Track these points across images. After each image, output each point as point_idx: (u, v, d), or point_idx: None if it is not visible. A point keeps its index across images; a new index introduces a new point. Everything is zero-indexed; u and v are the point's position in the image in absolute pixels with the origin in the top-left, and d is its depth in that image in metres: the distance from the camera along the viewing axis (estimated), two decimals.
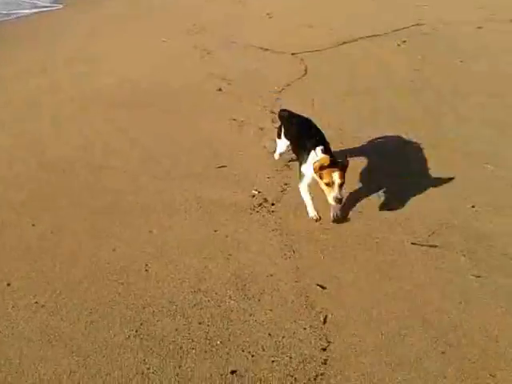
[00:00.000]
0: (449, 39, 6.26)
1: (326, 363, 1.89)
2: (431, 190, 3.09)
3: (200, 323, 2.12)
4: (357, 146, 3.66)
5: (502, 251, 2.54)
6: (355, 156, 3.32)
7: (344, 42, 6.27)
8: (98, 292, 2.32)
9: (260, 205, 3.06)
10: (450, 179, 3.19)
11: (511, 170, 3.30)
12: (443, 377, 1.85)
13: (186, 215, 2.96)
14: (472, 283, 2.33)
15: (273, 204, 3.06)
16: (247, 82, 4.92)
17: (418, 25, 6.97)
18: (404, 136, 3.80)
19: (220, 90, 4.67)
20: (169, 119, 4.22)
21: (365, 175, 3.26)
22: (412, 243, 2.62)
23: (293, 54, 5.82)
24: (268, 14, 7.69)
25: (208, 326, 2.11)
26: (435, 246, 2.60)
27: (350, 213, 2.90)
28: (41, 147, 3.85)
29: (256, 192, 3.20)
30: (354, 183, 3.11)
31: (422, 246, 2.61)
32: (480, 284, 2.32)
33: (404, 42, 6.23)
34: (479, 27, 6.66)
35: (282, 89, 4.74)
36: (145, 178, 3.38)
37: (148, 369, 1.88)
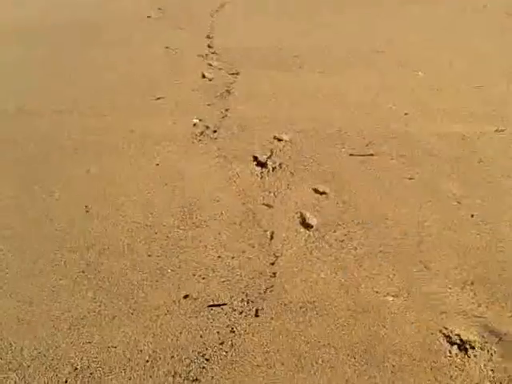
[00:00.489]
0: None
1: (274, 276, 1.93)
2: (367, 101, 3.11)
3: (149, 256, 2.10)
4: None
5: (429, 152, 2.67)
6: None
7: None
8: (38, 240, 2.23)
9: (202, 133, 2.98)
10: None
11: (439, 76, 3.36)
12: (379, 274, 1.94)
13: (125, 151, 2.85)
14: (406, 184, 2.43)
15: (215, 131, 2.99)
16: (178, 7, 4.60)
17: None
18: None
19: (149, 17, 4.35)
20: (99, 51, 3.93)
21: None
22: (350, 154, 2.68)
23: None
24: None
25: (158, 257, 2.09)
26: (371, 155, 2.66)
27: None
28: None
29: (197, 120, 3.11)
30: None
31: (360, 156, 2.67)
32: (412, 184, 2.43)
33: None
34: None
35: (217, 10, 4.48)
36: (78, 116, 3.19)
37: (99, 306, 1.86)
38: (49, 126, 3.15)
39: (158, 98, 3.32)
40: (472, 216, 2.24)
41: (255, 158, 2.74)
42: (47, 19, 4.72)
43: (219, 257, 2.06)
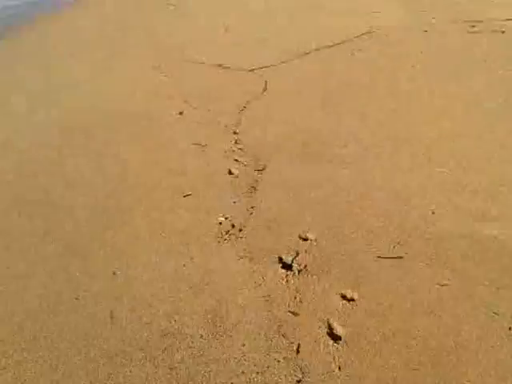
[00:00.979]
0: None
1: None
2: (395, 198, 3.11)
3: (171, 369, 2.03)
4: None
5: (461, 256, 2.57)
6: None
7: (299, 55, 6.33)
8: (59, 348, 2.20)
9: (227, 232, 3.01)
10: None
11: (466, 172, 3.36)
12: None
13: (152, 249, 2.89)
14: (439, 292, 2.33)
15: (240, 230, 3.01)
16: (207, 103, 4.88)
17: (368, 33, 7.12)
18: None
19: (181, 113, 4.62)
20: (131, 151, 4.13)
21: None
22: (378, 257, 2.62)
23: (251, 70, 5.83)
24: (225, 28, 7.72)
25: (179, 370, 2.02)
26: (400, 257, 2.61)
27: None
28: None
29: (223, 219, 3.15)
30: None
31: (388, 258, 2.61)
32: (445, 291, 2.33)
33: (359, 50, 6.35)
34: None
35: (244, 107, 4.73)
36: (109, 212, 3.28)
37: None
38: (83, 216, 3.24)
39: (185, 196, 3.41)
40: (510, 329, 2.11)
41: (280, 259, 2.71)
42: (81, 112, 5.08)
43: (243, 372, 1.97)
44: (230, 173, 3.66)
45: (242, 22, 8.15)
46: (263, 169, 3.68)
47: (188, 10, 9.65)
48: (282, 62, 6.09)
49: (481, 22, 6.93)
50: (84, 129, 4.53)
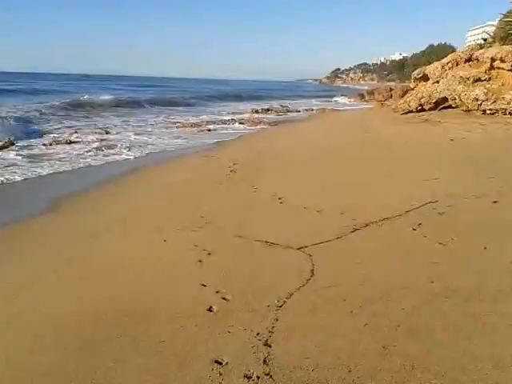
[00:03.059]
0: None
1: None
2: None
3: None
4: None
5: None
6: None
7: (355, 229, 5.88)
8: None
9: None
10: None
11: None
12: None
13: None
14: None
15: None
16: (243, 294, 4.39)
17: (431, 202, 6.63)
18: None
19: (210, 310, 4.13)
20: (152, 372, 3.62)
21: None
22: None
23: (299, 248, 5.41)
24: (280, 199, 7.60)
25: None
26: None
27: None
28: None
29: None
30: None
31: None
32: None
33: (419, 225, 5.80)
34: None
35: (284, 302, 4.17)
36: None
37: None
38: None
39: None
40: None
41: None
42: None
43: None
44: None
45: (298, 191, 8.10)
46: None
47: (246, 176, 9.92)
48: (338, 238, 5.65)
49: None
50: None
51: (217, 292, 4.46)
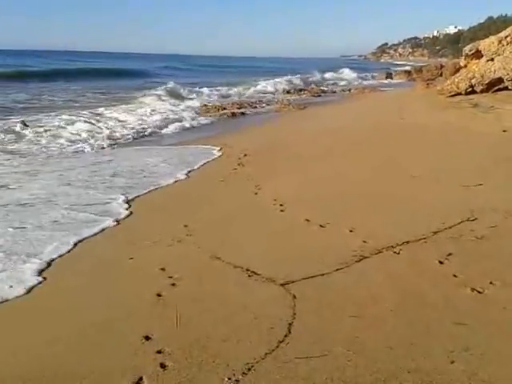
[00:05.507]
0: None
1: None
2: None
3: None
4: None
5: None
6: None
7: (363, 257, 4.57)
8: None
9: None
10: None
11: None
12: None
13: None
14: None
15: None
16: (190, 359, 3.24)
17: (468, 220, 5.18)
18: None
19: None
20: None
21: None
22: None
23: (283, 284, 4.18)
24: (281, 205, 6.33)
25: None
26: None
27: None
28: None
29: None
30: None
31: None
32: None
33: (449, 255, 4.40)
34: None
35: (236, 381, 2.98)
36: None
37: None
38: None
39: None
40: None
41: None
42: None
43: None
44: None
45: (305, 195, 6.78)
46: None
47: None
48: (337, 269, 4.36)
49: None
50: None
51: (158, 352, 3.32)
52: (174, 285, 4.33)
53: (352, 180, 7.46)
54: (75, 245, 5.38)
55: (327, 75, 43.56)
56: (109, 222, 6.07)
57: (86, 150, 11.49)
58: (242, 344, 3.30)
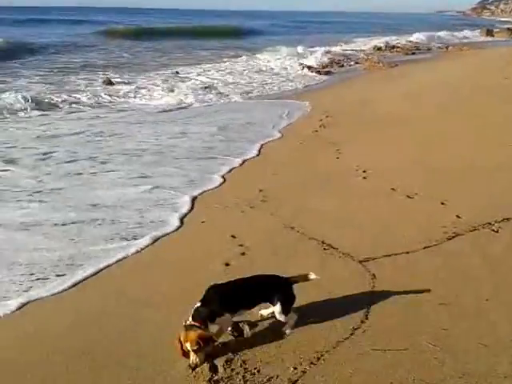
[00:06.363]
0: None
1: None
2: None
3: None
4: None
5: None
6: None
7: (455, 234, 4.00)
8: None
9: None
10: None
11: None
12: None
13: None
14: None
15: None
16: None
17: None
18: None
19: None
20: None
21: None
22: None
23: (362, 261, 3.80)
24: (364, 172, 5.83)
25: None
26: None
27: None
28: None
29: None
30: None
31: None
32: None
33: None
34: None
35: (303, 371, 2.71)
36: None
37: None
38: None
39: None
40: None
41: None
42: None
43: None
44: None
45: (391, 164, 6.17)
46: None
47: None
48: (426, 247, 3.87)
49: None
50: None
51: None
52: (243, 254, 4.15)
53: (444, 148, 6.67)
54: None
55: (441, 34, 39.05)
56: None
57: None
58: (312, 329, 3.03)
